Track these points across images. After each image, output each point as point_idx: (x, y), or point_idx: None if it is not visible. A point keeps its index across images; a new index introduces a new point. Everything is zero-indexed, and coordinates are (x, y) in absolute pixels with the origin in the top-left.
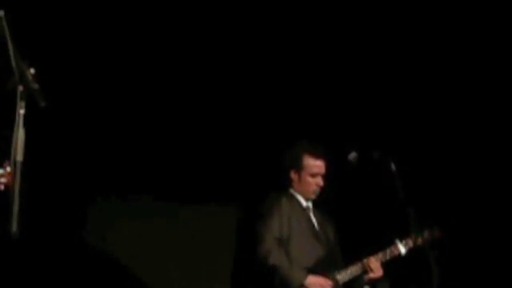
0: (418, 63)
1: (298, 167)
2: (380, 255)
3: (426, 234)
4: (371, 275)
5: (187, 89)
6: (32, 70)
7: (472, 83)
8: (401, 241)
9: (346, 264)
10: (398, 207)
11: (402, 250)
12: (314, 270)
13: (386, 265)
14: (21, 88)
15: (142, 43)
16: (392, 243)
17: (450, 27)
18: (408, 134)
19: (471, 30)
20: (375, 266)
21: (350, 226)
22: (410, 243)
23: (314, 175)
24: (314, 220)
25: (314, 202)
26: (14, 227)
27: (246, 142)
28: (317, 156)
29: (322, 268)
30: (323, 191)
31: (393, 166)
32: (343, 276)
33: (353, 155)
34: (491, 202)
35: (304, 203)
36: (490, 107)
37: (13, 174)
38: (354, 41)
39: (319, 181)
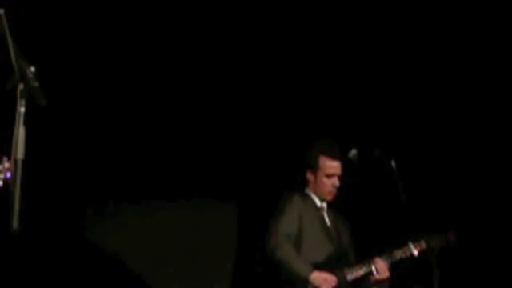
0: (419, 60)
1: (315, 168)
2: (388, 256)
3: (441, 237)
4: (377, 276)
5: (187, 86)
6: (32, 69)
7: (472, 80)
8: (413, 242)
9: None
10: (399, 207)
11: (415, 251)
12: (324, 266)
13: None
14: (21, 86)
15: (141, 41)
16: (404, 244)
17: (449, 27)
18: (409, 132)
19: (471, 30)
20: (381, 267)
21: (355, 226)
22: (423, 245)
23: (329, 176)
24: (327, 219)
25: (330, 203)
26: (15, 225)
27: (246, 139)
28: (333, 157)
29: (332, 266)
30: (339, 192)
31: (393, 164)
32: (352, 274)
33: (353, 153)
34: (493, 201)
35: (318, 203)
36: (491, 104)
37: (14, 171)
38: (356, 40)
39: (335, 181)
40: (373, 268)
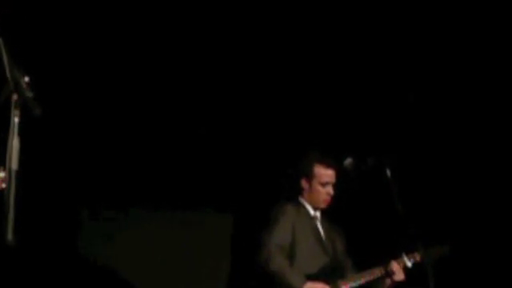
0: (415, 68)
1: (309, 176)
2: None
3: (436, 250)
4: (395, 278)
5: (184, 93)
6: (26, 79)
7: (471, 88)
8: (407, 254)
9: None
10: (395, 216)
11: (408, 263)
12: (318, 277)
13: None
14: (15, 96)
15: (136, 51)
16: (398, 256)
17: (446, 33)
18: (404, 140)
19: (470, 34)
20: (397, 269)
21: (349, 235)
22: (417, 257)
23: (324, 184)
24: (320, 229)
25: (324, 212)
26: (10, 236)
27: (242, 149)
28: (327, 165)
29: (326, 276)
30: (333, 200)
31: (388, 173)
32: (345, 285)
33: (348, 161)
34: (490, 209)
35: (312, 212)
36: (488, 113)
37: (8, 182)
38: (351, 49)
39: (329, 190)
40: (388, 270)
